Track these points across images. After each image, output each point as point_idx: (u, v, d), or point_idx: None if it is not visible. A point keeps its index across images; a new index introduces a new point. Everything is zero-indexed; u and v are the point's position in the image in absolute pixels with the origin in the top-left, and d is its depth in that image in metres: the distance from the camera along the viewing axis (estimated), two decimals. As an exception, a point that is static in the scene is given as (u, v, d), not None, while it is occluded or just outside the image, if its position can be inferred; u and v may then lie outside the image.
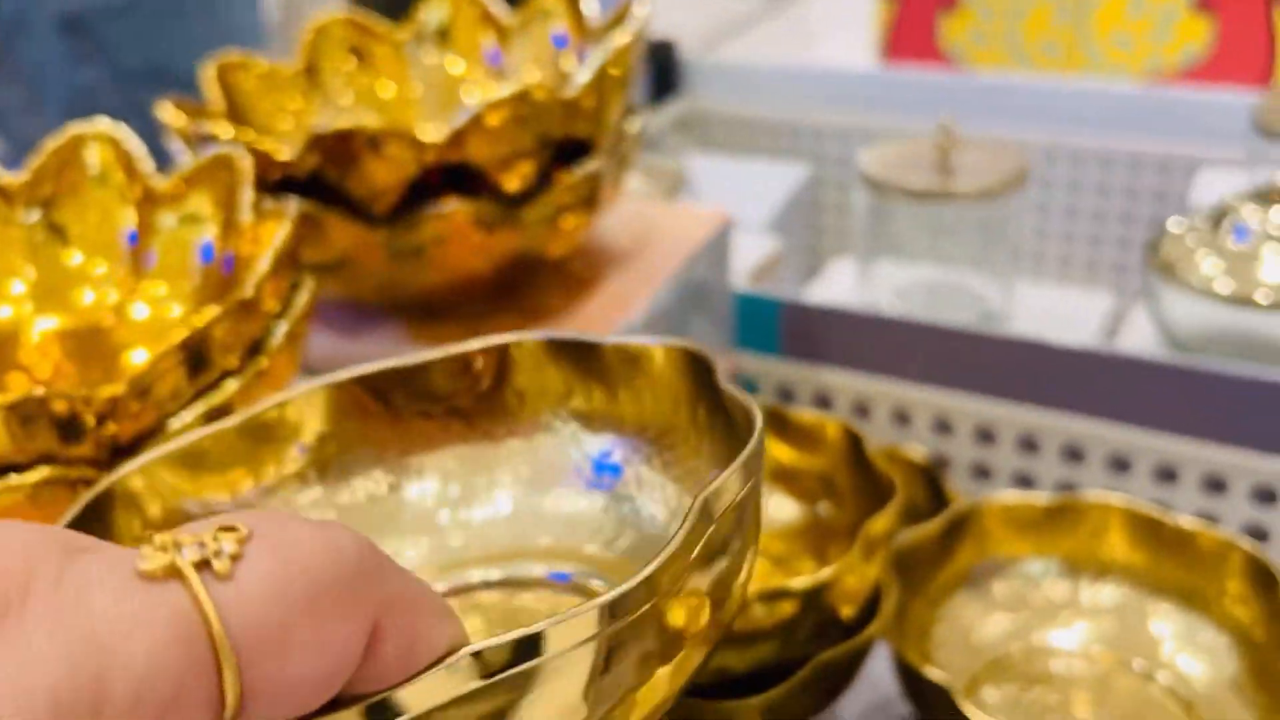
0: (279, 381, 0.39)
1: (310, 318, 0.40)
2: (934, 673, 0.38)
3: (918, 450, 0.60)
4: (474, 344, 0.34)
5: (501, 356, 0.33)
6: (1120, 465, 0.57)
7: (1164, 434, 0.56)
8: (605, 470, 0.32)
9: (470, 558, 0.32)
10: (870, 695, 0.48)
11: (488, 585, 0.31)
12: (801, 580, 0.36)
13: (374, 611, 0.18)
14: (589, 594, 0.29)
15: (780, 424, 0.46)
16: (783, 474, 0.46)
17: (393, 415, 0.33)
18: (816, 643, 0.39)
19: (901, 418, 0.62)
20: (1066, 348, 0.56)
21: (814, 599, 0.36)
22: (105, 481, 0.29)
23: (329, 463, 0.33)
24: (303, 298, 0.39)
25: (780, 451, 0.47)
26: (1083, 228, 0.91)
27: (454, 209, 0.46)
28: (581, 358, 0.32)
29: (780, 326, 0.63)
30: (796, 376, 0.64)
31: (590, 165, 0.48)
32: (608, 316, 0.51)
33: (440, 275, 0.48)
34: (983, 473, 0.61)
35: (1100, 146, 0.88)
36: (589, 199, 0.50)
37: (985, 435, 0.60)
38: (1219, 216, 0.59)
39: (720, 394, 0.28)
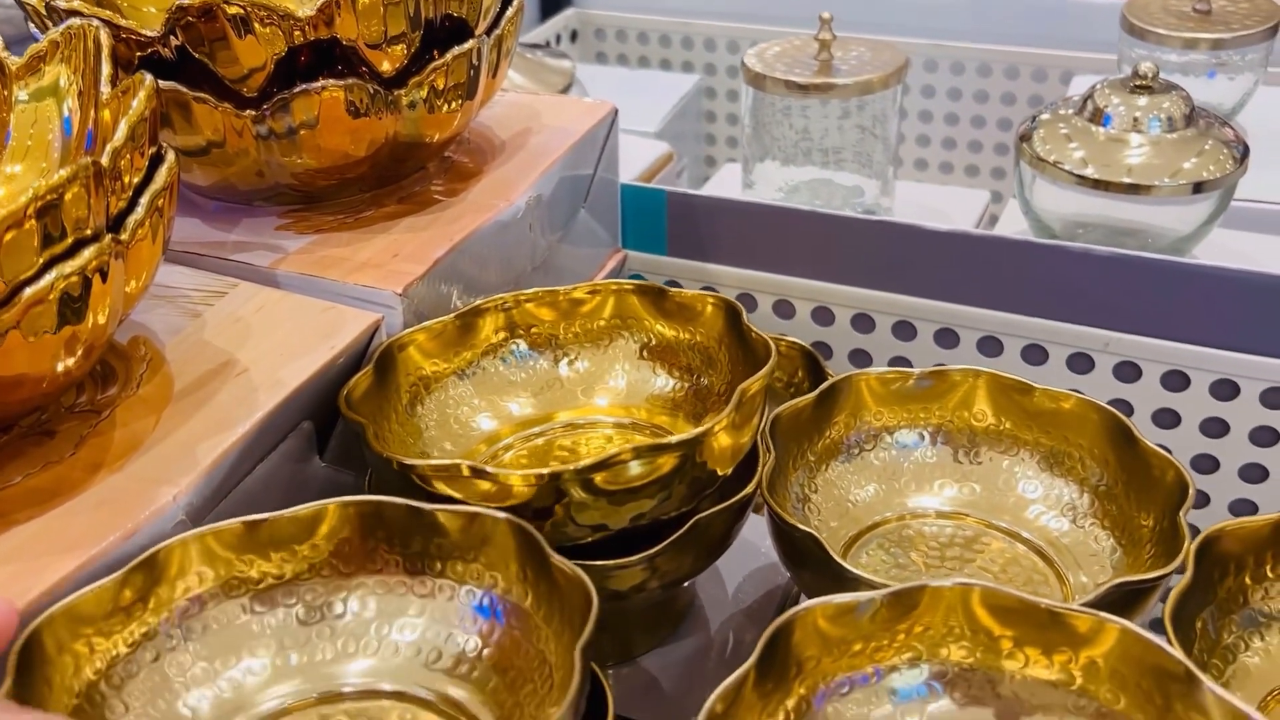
0: (142, 260, 0.38)
1: (174, 193, 0.39)
2: (805, 529, 0.39)
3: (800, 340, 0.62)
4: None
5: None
6: (993, 347, 0.59)
7: (1033, 316, 0.58)
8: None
9: None
10: (751, 563, 0.50)
11: None
12: (677, 436, 0.36)
13: None
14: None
15: (662, 302, 0.47)
16: (665, 349, 0.47)
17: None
18: (697, 507, 0.40)
19: (785, 308, 0.63)
20: (939, 230, 0.58)
21: (690, 454, 0.37)
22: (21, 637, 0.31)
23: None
24: (164, 171, 0.38)
25: (662, 328, 0.47)
26: (963, 133, 0.93)
27: (325, 89, 0.45)
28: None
29: (667, 223, 0.64)
30: (683, 271, 0.64)
31: (465, 46, 0.48)
32: (489, 203, 0.50)
33: (315, 160, 0.47)
34: (862, 358, 0.63)
35: (979, 53, 0.90)
36: (467, 84, 0.49)
37: (864, 322, 0.62)
38: (1086, 106, 0.61)
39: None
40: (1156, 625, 0.36)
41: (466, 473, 0.35)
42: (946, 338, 0.60)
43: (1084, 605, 0.34)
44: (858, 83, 0.66)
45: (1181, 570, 0.37)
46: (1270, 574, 0.39)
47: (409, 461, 0.37)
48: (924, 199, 0.76)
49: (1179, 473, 0.41)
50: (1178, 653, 0.32)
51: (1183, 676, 0.32)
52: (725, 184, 0.80)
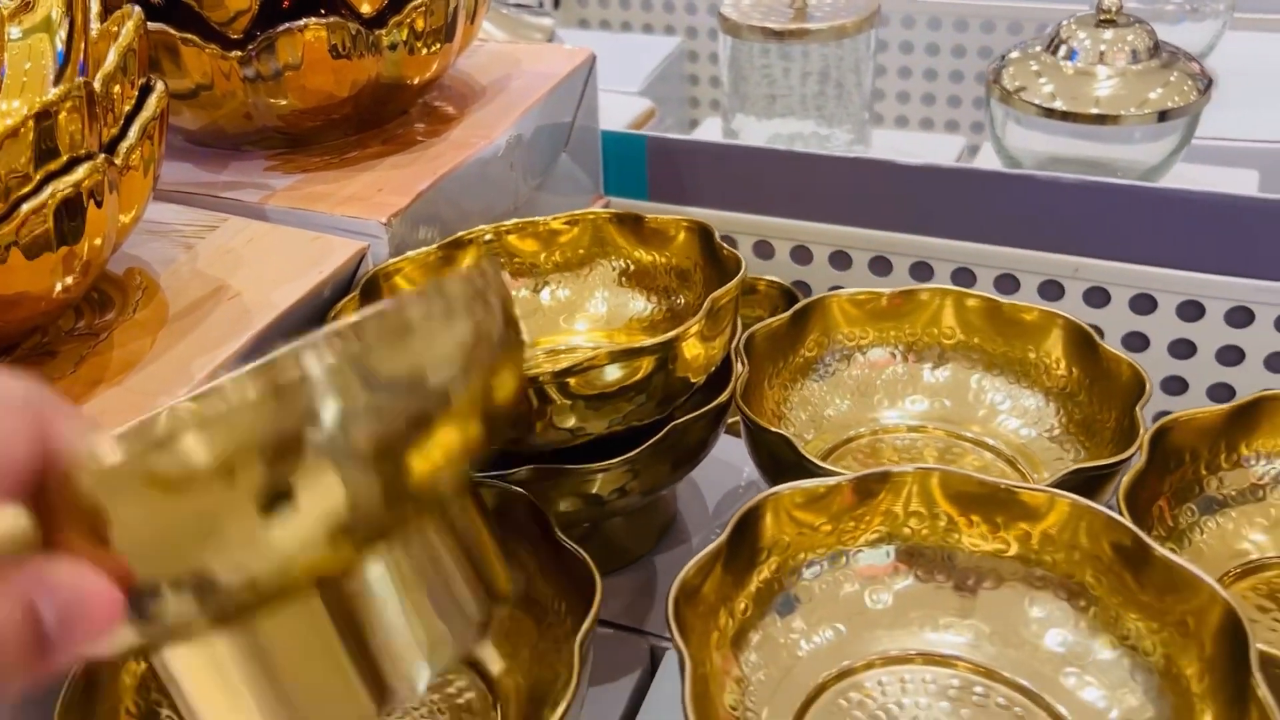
0: (135, 191, 0.39)
1: (164, 122, 0.41)
2: (777, 430, 0.41)
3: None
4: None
5: None
6: (966, 278, 0.61)
7: (1004, 246, 0.59)
8: None
9: None
10: (731, 482, 0.52)
11: None
12: (650, 339, 0.38)
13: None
14: None
15: (637, 228, 0.48)
16: (642, 273, 0.49)
17: None
18: (673, 415, 0.42)
19: (764, 249, 0.65)
20: (911, 165, 0.59)
21: (664, 357, 0.38)
22: None
23: None
24: (154, 100, 0.40)
25: (639, 253, 0.49)
26: (942, 88, 0.94)
27: (308, 28, 0.46)
28: None
29: (648, 167, 0.65)
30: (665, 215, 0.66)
31: (443, -14, 0.49)
32: (470, 141, 0.52)
33: (300, 101, 0.49)
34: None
35: (955, 7, 0.91)
36: (445, 27, 0.51)
37: (841, 259, 0.63)
38: (1054, 42, 0.63)
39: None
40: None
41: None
42: (921, 271, 0.62)
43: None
44: (832, 27, 0.67)
45: (1137, 457, 0.39)
46: (1224, 462, 0.41)
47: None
48: (899, 145, 0.78)
49: (1135, 370, 0.43)
50: (1127, 521, 0.34)
51: (1132, 544, 0.33)
52: (707, 137, 0.81)
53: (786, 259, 0.65)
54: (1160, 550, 0.32)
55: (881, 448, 0.48)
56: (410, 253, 0.47)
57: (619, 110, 0.77)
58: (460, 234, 0.49)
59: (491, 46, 0.61)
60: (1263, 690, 0.28)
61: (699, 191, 0.65)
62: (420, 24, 0.49)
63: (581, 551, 0.36)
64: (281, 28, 0.46)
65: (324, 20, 0.47)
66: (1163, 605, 0.32)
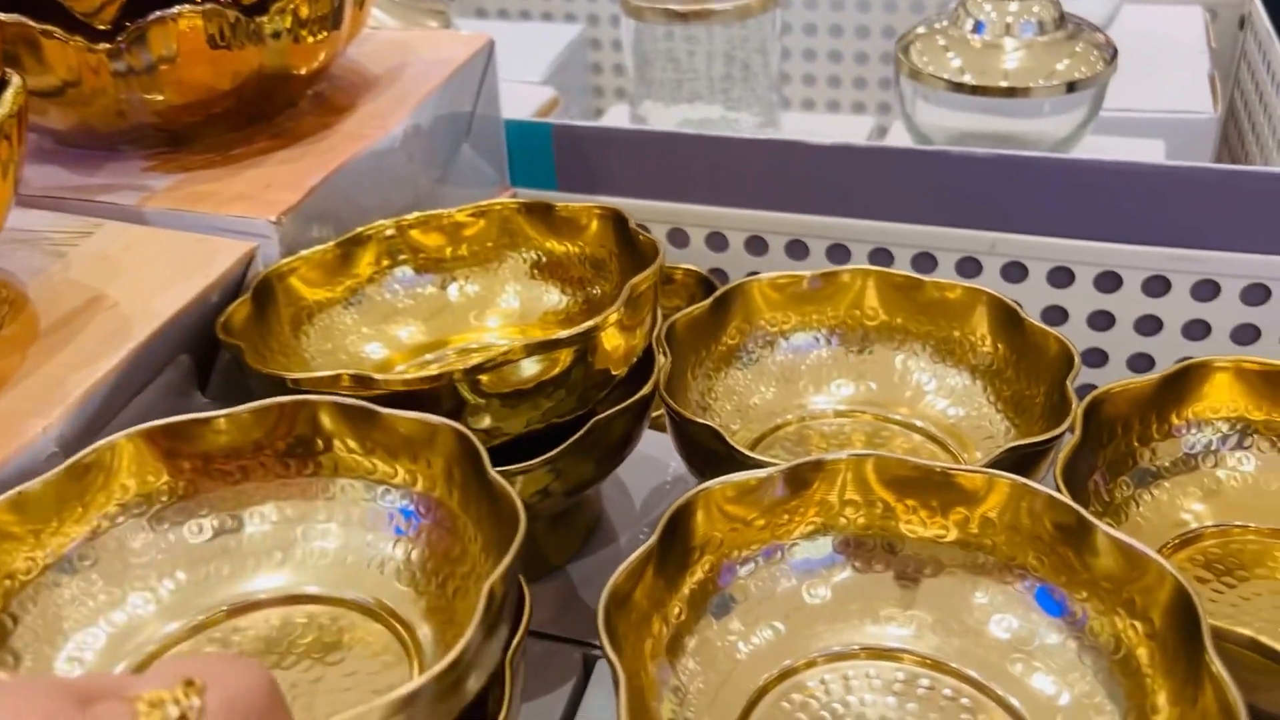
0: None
1: (23, 121, 0.37)
2: (702, 421, 0.39)
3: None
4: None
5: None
6: (884, 258, 0.60)
7: (920, 224, 0.59)
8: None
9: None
10: (658, 478, 0.50)
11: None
12: (567, 331, 0.36)
13: None
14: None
15: (548, 217, 0.46)
16: (554, 264, 0.46)
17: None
18: (595, 410, 0.40)
19: (679, 237, 0.63)
20: (824, 145, 0.58)
21: (582, 349, 0.36)
22: None
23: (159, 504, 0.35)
24: (9, 97, 0.36)
25: (552, 244, 0.47)
26: (848, 69, 0.94)
27: (182, 17, 0.43)
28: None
29: (554, 156, 0.63)
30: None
31: (327, -31, 0.46)
32: (364, 133, 0.49)
33: (178, 96, 0.45)
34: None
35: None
36: (331, 13, 0.48)
37: (757, 244, 0.62)
38: (960, 16, 0.62)
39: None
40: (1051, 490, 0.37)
41: (348, 382, 0.34)
42: (838, 253, 0.61)
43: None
44: (736, 7, 0.66)
45: (1071, 432, 0.38)
46: (1156, 433, 0.40)
47: (289, 375, 0.35)
48: (808, 127, 0.77)
49: (1063, 344, 0.42)
50: (1068, 500, 0.33)
51: (1074, 523, 0.32)
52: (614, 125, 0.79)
53: (702, 246, 0.63)
54: (1104, 528, 0.31)
55: (810, 434, 0.46)
56: (305, 251, 0.44)
57: (522, 100, 0.75)
58: (359, 230, 0.46)
59: (384, 34, 0.58)
60: (1217, 666, 0.27)
61: (609, 179, 0.63)
62: (305, 11, 0.46)
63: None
64: (153, 16, 0.43)
65: (199, 8, 0.43)
66: (1109, 585, 0.31)
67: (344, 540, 0.35)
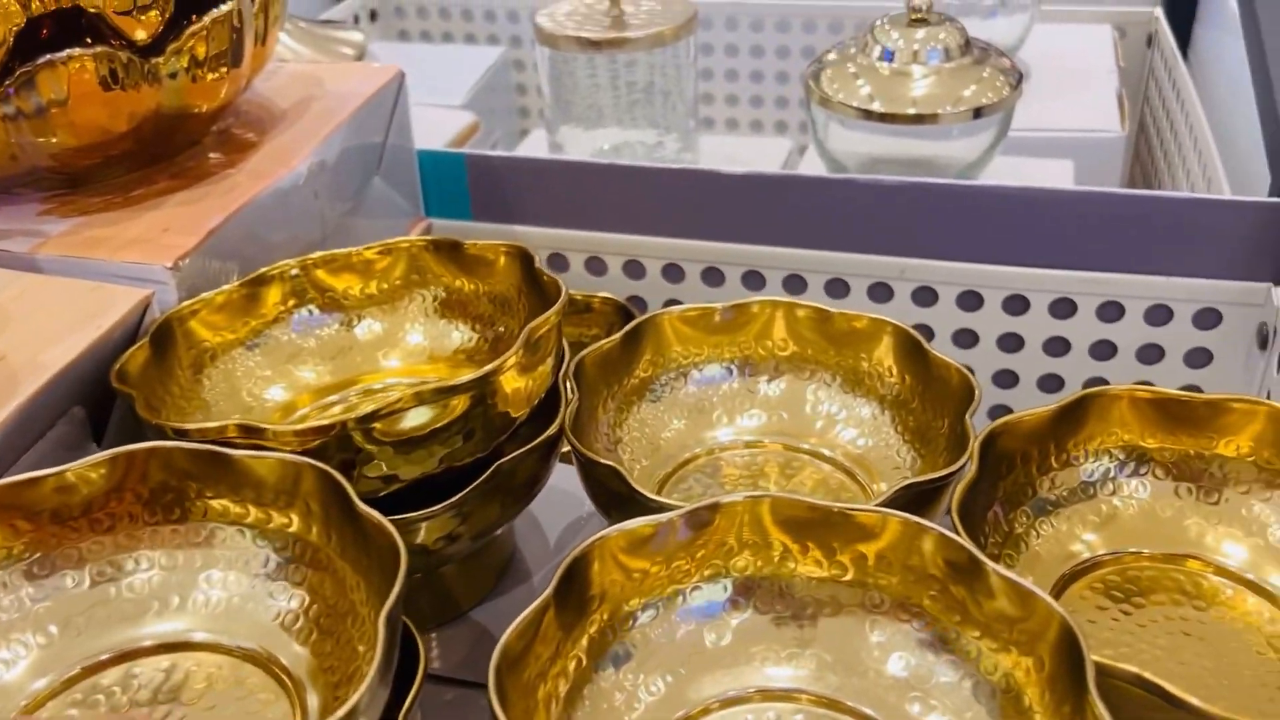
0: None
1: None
2: (605, 461, 0.39)
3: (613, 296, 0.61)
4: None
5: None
6: (797, 285, 0.60)
7: (832, 251, 0.59)
8: None
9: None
10: (572, 513, 0.50)
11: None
12: (462, 377, 0.36)
13: None
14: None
15: (456, 255, 0.46)
16: (460, 303, 0.46)
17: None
18: (500, 452, 0.40)
19: (596, 265, 0.63)
20: (737, 174, 0.58)
21: (480, 395, 0.36)
22: None
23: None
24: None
25: (459, 282, 0.46)
26: (769, 89, 0.94)
27: (72, 60, 0.42)
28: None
29: (469, 187, 0.63)
30: (491, 235, 0.63)
31: (224, 9, 0.46)
32: (267, 171, 0.49)
33: (72, 138, 0.45)
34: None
35: (776, 8, 0.91)
36: (231, 51, 0.47)
37: (674, 271, 0.62)
38: (868, 43, 0.63)
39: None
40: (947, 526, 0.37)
41: (235, 432, 0.34)
42: (753, 280, 0.61)
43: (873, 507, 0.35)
44: (650, 35, 0.66)
45: (970, 464, 0.39)
46: (1054, 463, 0.41)
47: (175, 425, 0.35)
48: (727, 151, 0.77)
49: (965, 377, 0.42)
50: (962, 539, 0.33)
51: (967, 562, 0.33)
52: (533, 152, 0.79)
53: (620, 274, 0.63)
54: (994, 566, 0.32)
55: (722, 466, 0.46)
56: (206, 294, 0.44)
57: (442, 125, 0.74)
58: (263, 270, 0.46)
59: (292, 67, 0.58)
60: (1099, 708, 0.28)
61: (524, 209, 0.63)
62: (201, 50, 0.46)
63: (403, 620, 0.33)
64: (42, 60, 0.42)
65: (90, 50, 0.43)
66: (1000, 623, 0.32)
67: (224, 587, 0.35)
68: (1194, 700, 0.30)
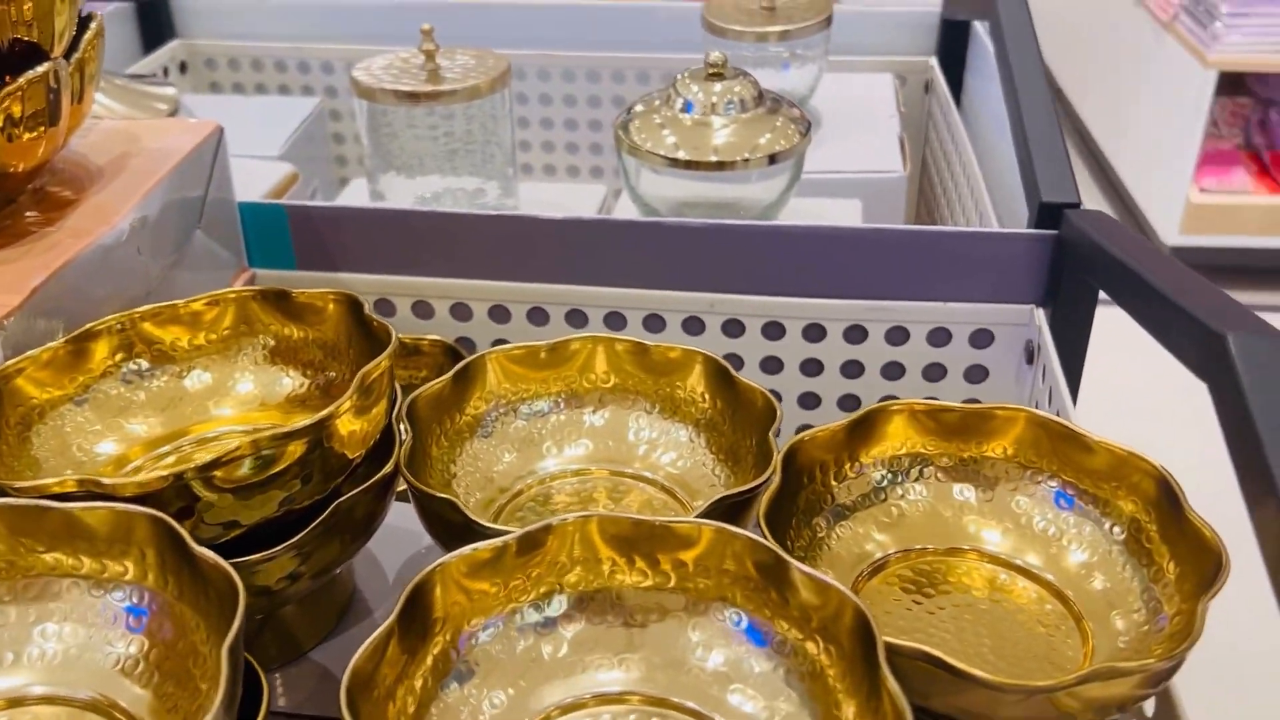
0: None
1: None
2: (440, 494, 0.41)
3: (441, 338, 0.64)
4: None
5: None
6: (618, 321, 0.64)
7: (647, 289, 0.63)
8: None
9: None
10: (410, 549, 0.51)
11: None
12: (297, 423, 0.37)
13: None
14: None
15: (284, 304, 0.48)
16: (290, 350, 0.48)
17: None
18: (339, 492, 0.41)
19: (423, 309, 0.65)
20: (556, 219, 0.62)
21: (316, 439, 0.38)
22: None
23: None
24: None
25: (289, 330, 0.48)
26: (583, 136, 0.98)
27: (-118, 121, 0.42)
28: None
29: (292, 237, 0.64)
30: (316, 283, 0.64)
31: (40, 70, 0.46)
32: (89, 229, 0.49)
33: (-119, 199, 0.44)
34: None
35: (585, 60, 0.96)
36: (48, 110, 0.48)
37: (500, 313, 0.65)
38: (671, 96, 0.67)
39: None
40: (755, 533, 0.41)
41: (73, 486, 0.35)
42: (576, 318, 0.64)
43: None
44: (466, 88, 0.69)
45: (771, 480, 0.43)
46: (849, 472, 0.46)
47: (7, 484, 0.35)
48: (546, 196, 0.81)
49: (768, 399, 0.46)
50: (767, 542, 0.37)
51: (773, 562, 0.36)
52: (354, 200, 0.81)
53: (447, 317, 0.65)
54: (796, 564, 0.36)
55: (553, 494, 0.49)
56: (32, 351, 0.44)
57: (259, 177, 0.75)
58: (89, 325, 0.46)
59: (107, 124, 0.58)
60: (891, 683, 0.32)
61: (348, 257, 0.65)
62: (17, 109, 0.46)
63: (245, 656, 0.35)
64: None
65: (-100, 111, 0.43)
66: (804, 614, 0.36)
67: (60, 640, 0.35)
68: (974, 671, 0.35)
